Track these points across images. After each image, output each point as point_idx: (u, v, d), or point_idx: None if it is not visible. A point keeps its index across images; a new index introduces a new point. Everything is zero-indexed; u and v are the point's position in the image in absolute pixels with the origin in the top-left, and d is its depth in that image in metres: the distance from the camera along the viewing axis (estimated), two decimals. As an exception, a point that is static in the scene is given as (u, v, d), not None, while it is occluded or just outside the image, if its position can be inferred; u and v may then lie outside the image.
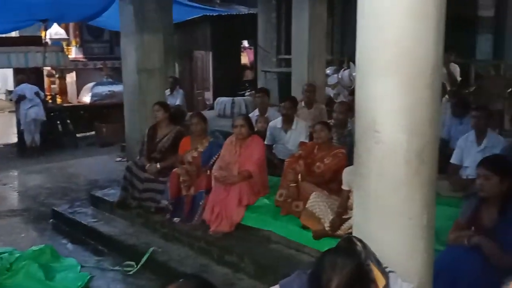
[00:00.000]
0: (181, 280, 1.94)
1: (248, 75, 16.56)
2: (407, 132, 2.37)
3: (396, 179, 2.41)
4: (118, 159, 9.26)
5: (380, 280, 2.31)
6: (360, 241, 2.42)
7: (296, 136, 6.56)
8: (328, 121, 6.24)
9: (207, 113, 11.70)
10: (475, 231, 3.55)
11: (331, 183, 5.18)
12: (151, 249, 5.33)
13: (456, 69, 8.68)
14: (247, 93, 12.78)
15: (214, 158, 5.78)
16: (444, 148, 6.02)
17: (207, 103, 14.55)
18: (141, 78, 7.04)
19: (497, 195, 3.45)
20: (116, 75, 13.30)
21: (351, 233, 2.70)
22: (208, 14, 13.98)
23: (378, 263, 2.35)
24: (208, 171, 5.70)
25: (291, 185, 5.25)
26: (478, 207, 3.62)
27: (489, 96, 7.94)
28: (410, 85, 2.35)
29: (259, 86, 11.48)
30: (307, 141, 6.09)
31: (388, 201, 2.43)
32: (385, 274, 2.34)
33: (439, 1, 2.35)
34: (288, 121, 6.63)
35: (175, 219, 5.69)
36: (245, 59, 17.40)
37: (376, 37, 2.38)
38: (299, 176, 5.27)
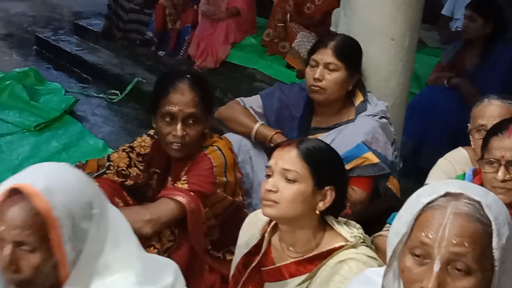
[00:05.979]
0: (187, 76, 2.03)
1: None
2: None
3: (383, -2, 2.39)
4: (105, -8, 8.95)
5: (359, 97, 2.42)
6: None
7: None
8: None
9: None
10: (456, 73, 3.61)
11: (320, 26, 5.10)
12: (136, 80, 5.33)
13: None
14: None
15: (202, -8, 5.61)
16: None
17: None
18: None
19: (481, 38, 3.46)
20: None
21: None
22: None
23: (364, 87, 2.43)
24: (195, 6, 5.56)
25: (279, 24, 5.18)
26: (461, 50, 3.66)
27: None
28: None
29: None
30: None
31: (373, 20, 2.43)
32: (365, 94, 2.44)
33: None
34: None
35: (160, 52, 5.65)
36: None
37: None
38: (288, 16, 5.18)
